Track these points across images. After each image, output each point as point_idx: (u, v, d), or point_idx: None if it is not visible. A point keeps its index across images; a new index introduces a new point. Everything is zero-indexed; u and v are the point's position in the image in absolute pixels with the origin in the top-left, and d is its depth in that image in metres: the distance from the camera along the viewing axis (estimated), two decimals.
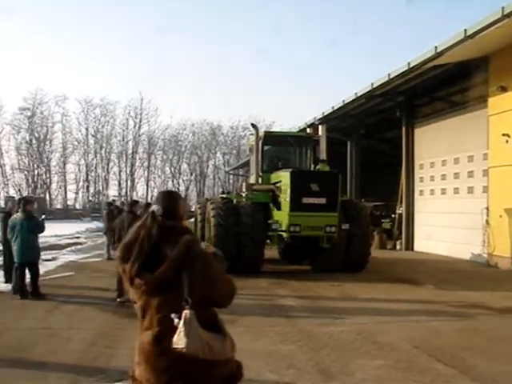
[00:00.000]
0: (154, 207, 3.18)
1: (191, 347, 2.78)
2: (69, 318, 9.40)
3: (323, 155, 15.90)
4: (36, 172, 76.38)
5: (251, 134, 18.62)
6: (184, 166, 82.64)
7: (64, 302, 10.83)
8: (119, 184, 79.88)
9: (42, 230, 11.58)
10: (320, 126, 16.58)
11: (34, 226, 11.30)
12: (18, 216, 11.32)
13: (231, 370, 3.09)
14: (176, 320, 2.83)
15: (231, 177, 77.17)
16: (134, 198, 64.63)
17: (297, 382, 6.16)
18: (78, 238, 31.67)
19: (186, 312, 2.82)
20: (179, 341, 2.79)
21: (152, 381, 2.96)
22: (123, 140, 79.87)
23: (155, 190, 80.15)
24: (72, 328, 8.69)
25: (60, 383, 6.12)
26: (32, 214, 11.67)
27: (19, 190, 73.45)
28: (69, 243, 26.50)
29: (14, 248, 11.30)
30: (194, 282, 2.88)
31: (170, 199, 3.31)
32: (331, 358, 7.00)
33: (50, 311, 9.97)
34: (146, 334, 2.98)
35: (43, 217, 12.55)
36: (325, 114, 24.88)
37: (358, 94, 21.47)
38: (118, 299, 10.58)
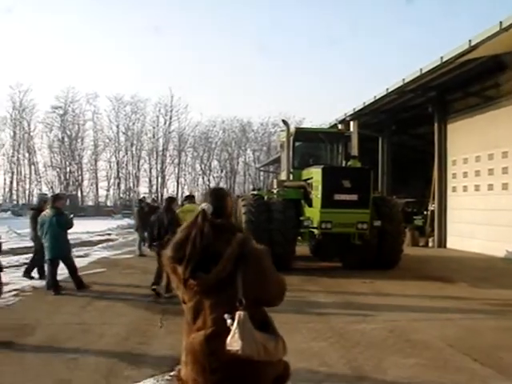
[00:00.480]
0: (203, 205, 3.12)
1: (246, 349, 2.73)
2: (102, 314, 9.47)
3: (355, 151, 15.79)
4: (68, 169, 77.41)
5: (282, 131, 18.53)
6: (214, 163, 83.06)
7: (97, 297, 10.94)
8: (150, 181, 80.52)
9: (70, 225, 11.68)
10: (351, 122, 16.52)
11: (63, 222, 11.41)
12: (47, 212, 11.45)
13: (279, 371, 3.05)
14: (229, 321, 2.79)
15: (261, 173, 77.21)
16: (170, 194, 64.88)
17: (329, 379, 6.10)
18: (109, 234, 31.98)
19: (240, 313, 2.77)
20: (234, 343, 2.74)
21: (199, 381, 2.92)
22: (154, 137, 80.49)
23: (185, 187, 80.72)
24: (105, 323, 8.75)
25: (94, 377, 6.13)
26: (61, 210, 11.78)
27: (52, 187, 74.52)
28: (100, 240, 26.80)
29: (46, 244, 11.44)
30: (248, 281, 2.83)
31: (220, 197, 3.24)
32: (363, 355, 6.92)
33: (83, 307, 10.06)
34: (198, 334, 2.92)
35: (71, 216, 12.68)
36: (356, 110, 24.66)
37: (390, 90, 21.25)
38: (166, 295, 10.78)
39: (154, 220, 11.51)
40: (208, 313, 2.90)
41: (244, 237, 2.96)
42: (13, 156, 76.55)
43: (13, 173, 77.18)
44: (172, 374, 6.14)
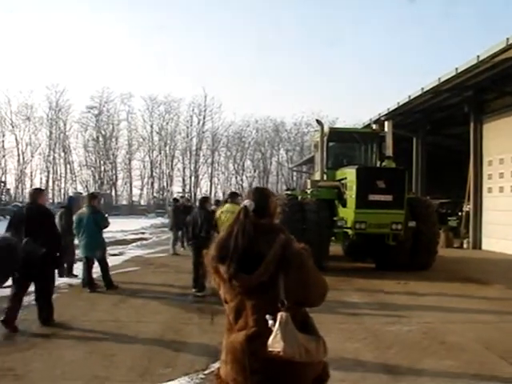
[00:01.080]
0: (246, 202, 3.12)
1: (288, 351, 2.73)
2: (136, 312, 9.58)
3: (389, 151, 15.69)
4: (102, 168, 78.31)
5: (316, 131, 18.51)
6: (247, 163, 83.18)
7: (131, 295, 11.08)
8: (183, 180, 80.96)
9: (106, 224, 11.82)
10: (386, 122, 16.39)
11: (99, 221, 11.55)
12: (84, 211, 11.59)
13: (319, 371, 3.05)
14: (271, 322, 2.79)
15: (294, 173, 77.10)
16: (204, 194, 65.16)
17: (364, 380, 6.09)
18: (143, 233, 32.30)
19: (282, 314, 2.77)
20: (275, 344, 2.74)
21: (239, 380, 2.94)
22: (187, 137, 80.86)
23: (219, 187, 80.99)
24: (139, 321, 8.86)
25: (130, 374, 6.21)
26: (97, 208, 11.94)
27: (86, 186, 75.42)
28: (134, 238, 27.08)
29: (81, 242, 11.61)
30: (290, 283, 2.83)
31: (262, 195, 3.23)
32: (398, 357, 6.88)
33: (118, 305, 10.20)
34: (239, 334, 2.92)
35: (106, 215, 12.86)
36: (390, 110, 24.49)
37: (425, 89, 21.07)
38: (194, 290, 11.25)
39: (190, 219, 11.82)
40: (250, 313, 2.90)
41: (287, 238, 2.94)
42: (49, 155, 77.66)
43: (49, 172, 78.35)
44: (206, 372, 6.20)
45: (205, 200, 12.75)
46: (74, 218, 11.98)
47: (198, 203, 12.98)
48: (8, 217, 46.74)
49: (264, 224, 3.04)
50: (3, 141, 75.93)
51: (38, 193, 9.06)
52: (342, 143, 18.22)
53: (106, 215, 13.05)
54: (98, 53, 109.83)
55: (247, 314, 2.92)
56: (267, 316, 2.80)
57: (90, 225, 11.39)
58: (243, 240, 2.91)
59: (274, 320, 2.78)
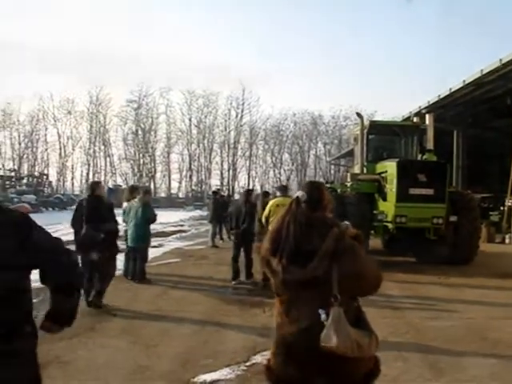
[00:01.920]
0: (298, 193, 3.11)
1: (341, 346, 2.72)
2: (177, 303, 9.66)
3: (430, 145, 15.50)
4: (141, 161, 79.09)
5: (355, 124, 18.39)
6: (285, 156, 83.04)
7: (172, 287, 11.17)
8: (221, 174, 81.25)
9: (153, 219, 11.99)
10: (427, 115, 16.19)
11: (148, 214, 11.72)
12: (135, 202, 11.85)
13: (370, 366, 3.03)
14: (323, 316, 2.78)
15: (332, 167, 76.73)
16: (250, 187, 65.20)
17: (405, 375, 6.02)
18: (181, 225, 32.52)
19: (335, 309, 2.76)
20: (328, 339, 2.73)
21: (290, 373, 2.94)
22: (225, 130, 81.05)
23: (256, 180, 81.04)
24: (181, 312, 8.93)
25: (171, 365, 6.26)
26: (149, 203, 12.10)
27: (125, 178, 76.29)
28: (173, 231, 27.28)
29: (128, 232, 11.80)
30: (344, 277, 2.81)
31: (315, 188, 3.21)
32: (440, 352, 6.78)
33: (159, 295, 10.29)
34: (291, 327, 2.93)
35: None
36: (430, 103, 24.23)
37: (467, 82, 20.77)
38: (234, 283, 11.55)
39: (233, 210, 12.28)
40: (302, 307, 2.89)
41: (340, 232, 2.92)
42: (89, 149, 78.93)
43: (89, 165, 79.63)
44: (247, 364, 6.23)
45: (249, 193, 13.04)
46: (123, 208, 12.32)
47: (242, 195, 13.19)
48: (50, 208, 47.40)
49: (317, 217, 3.02)
50: (46, 134, 77.43)
51: (96, 185, 10.17)
52: (382, 136, 18.09)
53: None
54: (136, 46, 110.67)
55: (299, 307, 2.91)
56: (320, 310, 2.79)
57: (138, 217, 11.58)
58: (295, 231, 2.90)
59: (327, 314, 2.77)
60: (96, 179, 60.41)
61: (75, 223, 9.48)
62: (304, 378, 2.91)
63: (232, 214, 12.19)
